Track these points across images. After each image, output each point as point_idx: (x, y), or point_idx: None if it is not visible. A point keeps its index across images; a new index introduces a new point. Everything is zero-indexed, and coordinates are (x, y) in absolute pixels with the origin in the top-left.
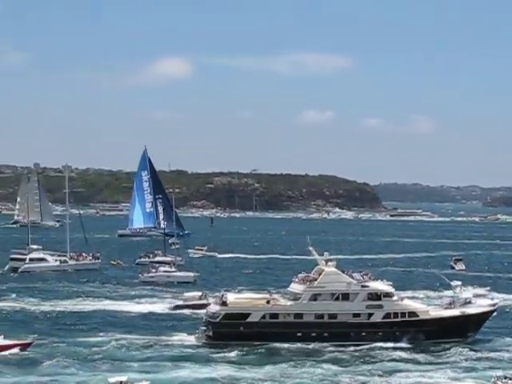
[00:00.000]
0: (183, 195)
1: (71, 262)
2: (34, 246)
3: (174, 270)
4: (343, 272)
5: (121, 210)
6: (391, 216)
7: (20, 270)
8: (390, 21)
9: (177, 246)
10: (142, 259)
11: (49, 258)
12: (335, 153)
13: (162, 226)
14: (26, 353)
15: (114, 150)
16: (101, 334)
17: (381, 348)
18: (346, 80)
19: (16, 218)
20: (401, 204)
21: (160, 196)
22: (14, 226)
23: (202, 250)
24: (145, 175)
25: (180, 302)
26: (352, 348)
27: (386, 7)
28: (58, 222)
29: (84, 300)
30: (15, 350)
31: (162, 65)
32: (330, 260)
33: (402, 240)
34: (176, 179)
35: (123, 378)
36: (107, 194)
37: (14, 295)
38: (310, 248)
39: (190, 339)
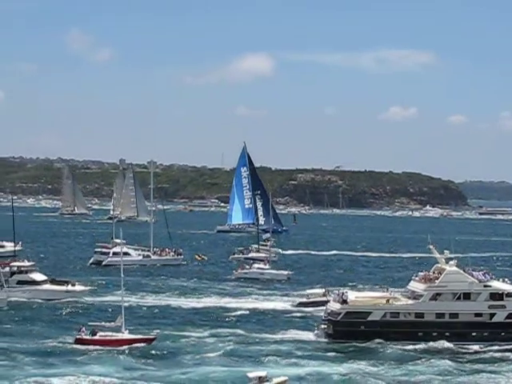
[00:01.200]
0: None
1: (154, 257)
2: (118, 240)
3: (267, 267)
4: (464, 271)
5: (210, 207)
6: (480, 214)
7: (103, 263)
8: (475, 16)
9: (270, 243)
10: (236, 255)
11: (132, 252)
12: (419, 150)
13: (260, 222)
14: (151, 347)
15: (198, 146)
16: (224, 330)
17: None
18: (430, 76)
19: (112, 212)
20: (486, 202)
21: (258, 192)
22: (110, 221)
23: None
24: (244, 171)
25: (303, 300)
26: (473, 347)
27: (472, 1)
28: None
29: (191, 295)
30: (141, 344)
31: (246, 61)
32: (451, 259)
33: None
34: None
35: (262, 374)
36: (191, 190)
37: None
38: (431, 246)
39: (310, 337)
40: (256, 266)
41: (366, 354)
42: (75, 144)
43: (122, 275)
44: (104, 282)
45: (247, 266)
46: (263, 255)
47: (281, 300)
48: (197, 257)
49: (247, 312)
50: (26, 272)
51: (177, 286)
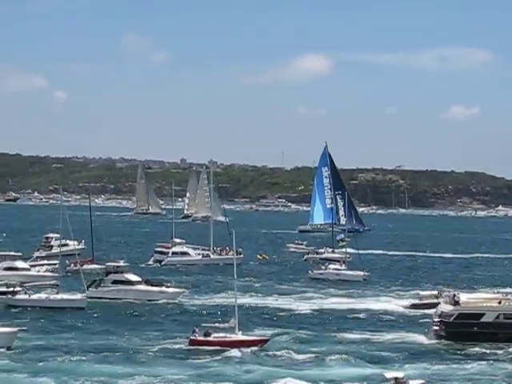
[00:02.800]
0: None
1: (213, 257)
2: (178, 240)
3: (343, 267)
4: None
5: (276, 206)
6: None
7: (163, 263)
8: None
9: (345, 243)
10: (310, 255)
11: (191, 251)
12: (482, 149)
13: (341, 222)
14: (265, 348)
15: (258, 145)
16: (342, 332)
17: None
18: (492, 74)
19: (185, 212)
20: None
21: (340, 192)
22: (185, 220)
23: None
24: (325, 171)
25: (416, 301)
26: None
27: None
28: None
29: (286, 296)
30: (255, 348)
31: (304, 61)
32: None
33: None
34: None
35: (400, 375)
36: (252, 190)
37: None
38: None
39: (421, 338)
40: (332, 266)
41: (484, 355)
42: (137, 144)
43: (235, 276)
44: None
45: (322, 267)
46: (338, 256)
47: (389, 301)
48: (259, 256)
49: (362, 315)
50: (122, 272)
51: (254, 287)
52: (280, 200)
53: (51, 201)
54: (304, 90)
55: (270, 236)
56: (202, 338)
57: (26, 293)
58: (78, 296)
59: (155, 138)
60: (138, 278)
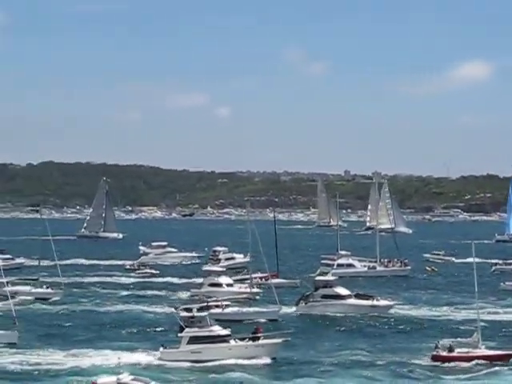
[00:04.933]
0: (495, 200)
1: (379, 268)
2: (343, 252)
3: None
4: None
5: (453, 216)
6: None
7: (328, 275)
8: None
9: None
10: (499, 266)
11: (356, 263)
12: None
13: None
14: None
15: (422, 155)
16: None
17: None
18: None
19: (368, 224)
20: None
21: None
22: (368, 232)
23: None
24: None
25: None
26: None
27: None
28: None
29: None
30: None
31: (462, 68)
32: None
33: None
34: (487, 184)
35: None
36: (416, 200)
37: None
38: None
39: None
40: None
41: None
42: (300, 157)
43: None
44: None
45: None
46: None
47: None
48: (427, 268)
49: None
50: (331, 286)
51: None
52: (456, 210)
53: (225, 216)
54: (465, 97)
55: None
56: (445, 354)
57: (218, 306)
58: (271, 308)
59: (319, 150)
60: (348, 292)
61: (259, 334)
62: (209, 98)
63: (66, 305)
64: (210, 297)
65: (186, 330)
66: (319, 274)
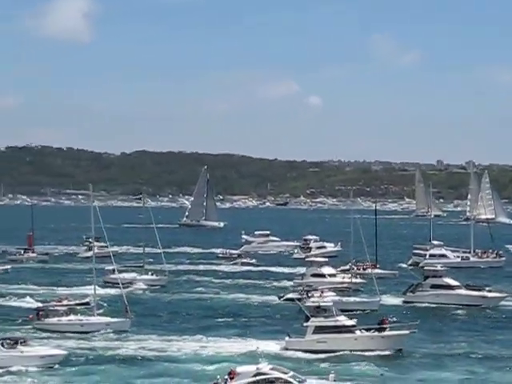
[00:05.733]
0: None
1: (473, 259)
2: (436, 242)
3: None
4: None
5: None
6: None
7: (420, 265)
8: None
9: None
10: None
11: (449, 254)
12: None
13: None
14: None
15: None
16: None
17: None
18: None
19: (468, 214)
20: None
21: None
22: (466, 222)
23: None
24: None
25: None
26: None
27: None
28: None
29: None
30: None
31: None
32: None
33: None
34: None
35: None
36: (511, 190)
37: None
38: None
39: None
40: None
41: None
42: (392, 146)
43: None
44: None
45: None
46: None
47: None
48: None
49: None
50: (441, 276)
51: None
52: None
53: (319, 204)
54: None
55: None
56: None
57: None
58: (372, 298)
59: (410, 139)
60: (458, 283)
61: (385, 325)
62: (299, 88)
63: (171, 292)
64: (312, 286)
65: (312, 319)
66: (411, 264)
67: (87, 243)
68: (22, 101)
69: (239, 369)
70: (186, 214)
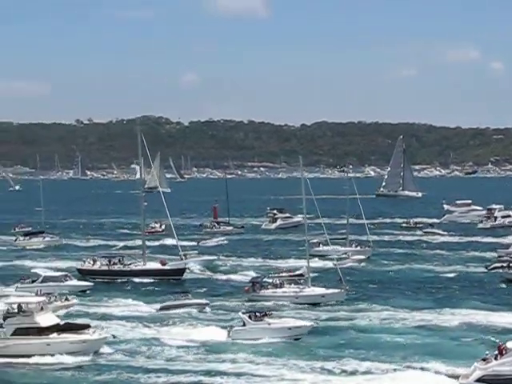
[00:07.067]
0: None
1: None
2: None
3: None
4: None
5: None
6: None
7: None
8: None
9: None
10: None
11: None
12: None
13: None
14: None
15: None
16: None
17: None
18: None
19: None
20: None
21: None
22: None
23: None
24: None
25: None
26: None
27: None
28: None
29: None
30: None
31: None
32: None
33: None
34: None
35: None
36: None
37: None
38: None
39: None
40: None
41: None
42: None
43: None
44: None
45: None
46: None
47: None
48: None
49: None
50: None
51: None
52: None
53: (508, 172)
54: None
55: None
56: None
57: None
58: None
59: None
60: None
61: None
62: (479, 54)
63: (378, 264)
64: None
65: None
66: None
67: (271, 215)
68: (203, 77)
69: (510, 344)
70: (383, 184)
